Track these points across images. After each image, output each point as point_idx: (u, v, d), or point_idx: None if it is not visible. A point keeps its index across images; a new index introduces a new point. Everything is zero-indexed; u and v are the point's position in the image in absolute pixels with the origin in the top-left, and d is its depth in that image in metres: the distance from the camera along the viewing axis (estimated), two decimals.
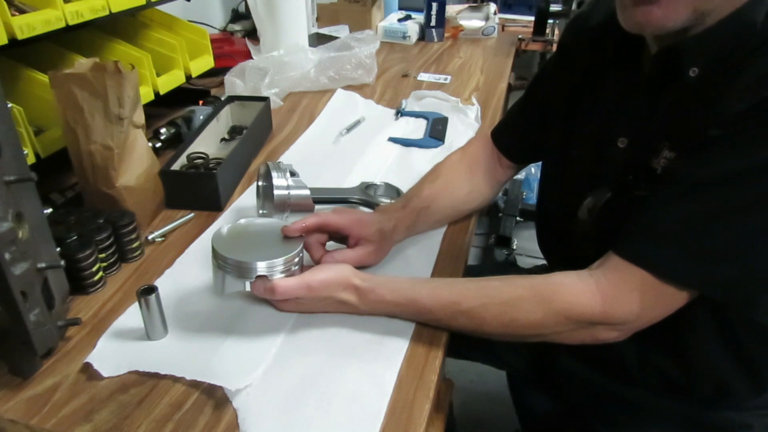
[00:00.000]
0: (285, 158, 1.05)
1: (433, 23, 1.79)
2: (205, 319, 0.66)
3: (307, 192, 0.79)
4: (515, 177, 1.99)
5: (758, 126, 0.52)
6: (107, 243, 0.71)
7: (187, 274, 0.74)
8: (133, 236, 0.75)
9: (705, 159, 0.55)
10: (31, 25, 0.76)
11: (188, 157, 0.94)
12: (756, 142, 0.52)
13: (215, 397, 0.57)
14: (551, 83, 0.80)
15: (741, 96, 0.53)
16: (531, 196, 2.25)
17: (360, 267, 0.72)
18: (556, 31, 1.96)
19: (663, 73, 0.62)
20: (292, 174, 0.79)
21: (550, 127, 0.79)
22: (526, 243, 2.12)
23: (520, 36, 1.91)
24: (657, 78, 0.63)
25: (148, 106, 0.91)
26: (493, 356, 0.95)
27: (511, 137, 0.88)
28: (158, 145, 1.03)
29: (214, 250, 0.61)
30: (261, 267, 0.60)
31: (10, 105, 0.65)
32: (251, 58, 1.36)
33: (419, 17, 1.85)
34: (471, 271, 0.77)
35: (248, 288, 0.61)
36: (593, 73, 0.71)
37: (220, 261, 0.61)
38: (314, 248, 0.70)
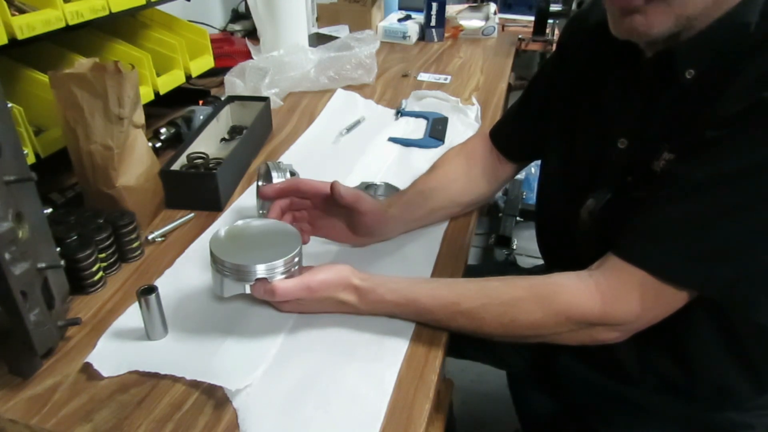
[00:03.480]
0: (285, 158, 1.05)
1: (433, 23, 1.79)
2: (205, 319, 0.66)
3: None
4: (515, 177, 2.00)
5: (755, 126, 0.52)
6: (107, 243, 0.71)
7: (187, 274, 0.74)
8: (133, 236, 0.75)
9: (703, 160, 0.55)
10: (31, 25, 0.76)
11: (188, 157, 0.94)
12: (753, 142, 0.52)
13: (215, 397, 0.57)
14: (550, 82, 0.80)
15: (738, 97, 0.53)
16: (531, 196, 2.25)
17: (358, 236, 0.75)
18: (556, 31, 1.96)
19: (660, 76, 0.62)
20: (292, 174, 0.79)
21: (549, 126, 0.79)
22: (526, 243, 2.12)
23: (520, 36, 1.91)
24: (655, 79, 0.63)
25: (148, 106, 0.91)
26: (494, 356, 0.95)
27: (509, 136, 0.88)
28: (158, 145, 1.03)
29: (212, 254, 0.61)
30: (260, 270, 0.60)
31: (10, 105, 0.65)
32: (251, 58, 1.36)
33: (419, 17, 1.85)
34: (471, 271, 0.77)
35: (248, 290, 0.61)
36: (593, 72, 0.71)
37: (218, 265, 0.61)
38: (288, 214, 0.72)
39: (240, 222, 0.67)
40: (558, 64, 0.80)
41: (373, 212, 0.74)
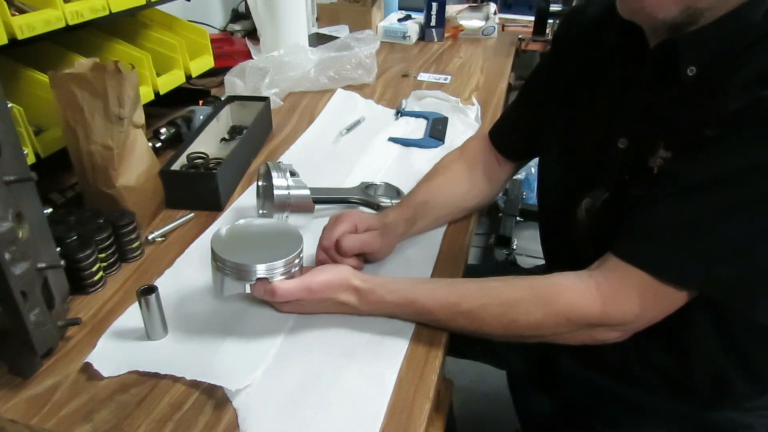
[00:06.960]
0: (285, 158, 1.05)
1: (433, 23, 1.79)
2: (205, 320, 0.66)
3: (307, 192, 0.79)
4: (515, 177, 2.00)
5: (754, 125, 0.52)
6: (107, 243, 0.71)
7: (187, 274, 0.74)
8: (133, 236, 0.75)
9: (701, 159, 0.55)
10: (31, 25, 0.76)
11: (188, 157, 0.94)
12: (751, 142, 0.52)
13: (215, 397, 0.57)
14: (547, 79, 0.80)
15: (737, 95, 0.53)
16: (531, 196, 2.25)
17: (367, 257, 0.74)
18: None
19: (662, 73, 0.62)
20: (292, 174, 0.79)
21: (547, 123, 0.79)
22: (526, 243, 2.12)
23: (520, 36, 1.91)
24: (657, 76, 0.63)
25: (148, 106, 0.91)
26: (494, 356, 0.95)
27: (508, 135, 0.88)
28: (158, 145, 1.03)
29: (213, 252, 0.61)
30: (261, 269, 0.60)
31: (10, 105, 0.64)
32: (251, 58, 1.37)
33: (419, 17, 1.85)
34: (471, 271, 0.76)
35: (248, 290, 0.61)
36: (590, 69, 0.71)
37: (219, 263, 0.61)
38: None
39: (242, 221, 0.67)
40: (554, 61, 0.79)
41: (383, 248, 0.75)
